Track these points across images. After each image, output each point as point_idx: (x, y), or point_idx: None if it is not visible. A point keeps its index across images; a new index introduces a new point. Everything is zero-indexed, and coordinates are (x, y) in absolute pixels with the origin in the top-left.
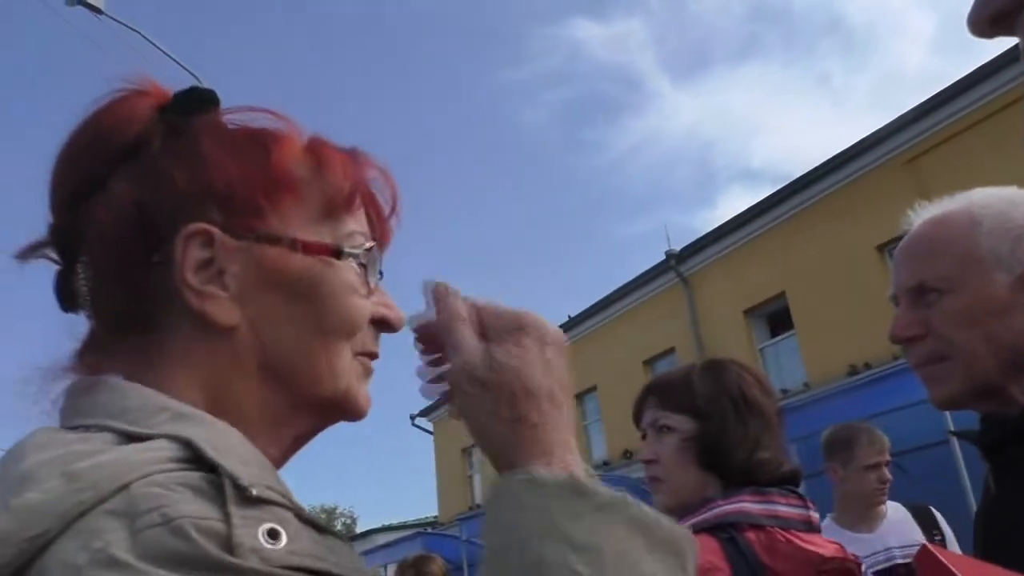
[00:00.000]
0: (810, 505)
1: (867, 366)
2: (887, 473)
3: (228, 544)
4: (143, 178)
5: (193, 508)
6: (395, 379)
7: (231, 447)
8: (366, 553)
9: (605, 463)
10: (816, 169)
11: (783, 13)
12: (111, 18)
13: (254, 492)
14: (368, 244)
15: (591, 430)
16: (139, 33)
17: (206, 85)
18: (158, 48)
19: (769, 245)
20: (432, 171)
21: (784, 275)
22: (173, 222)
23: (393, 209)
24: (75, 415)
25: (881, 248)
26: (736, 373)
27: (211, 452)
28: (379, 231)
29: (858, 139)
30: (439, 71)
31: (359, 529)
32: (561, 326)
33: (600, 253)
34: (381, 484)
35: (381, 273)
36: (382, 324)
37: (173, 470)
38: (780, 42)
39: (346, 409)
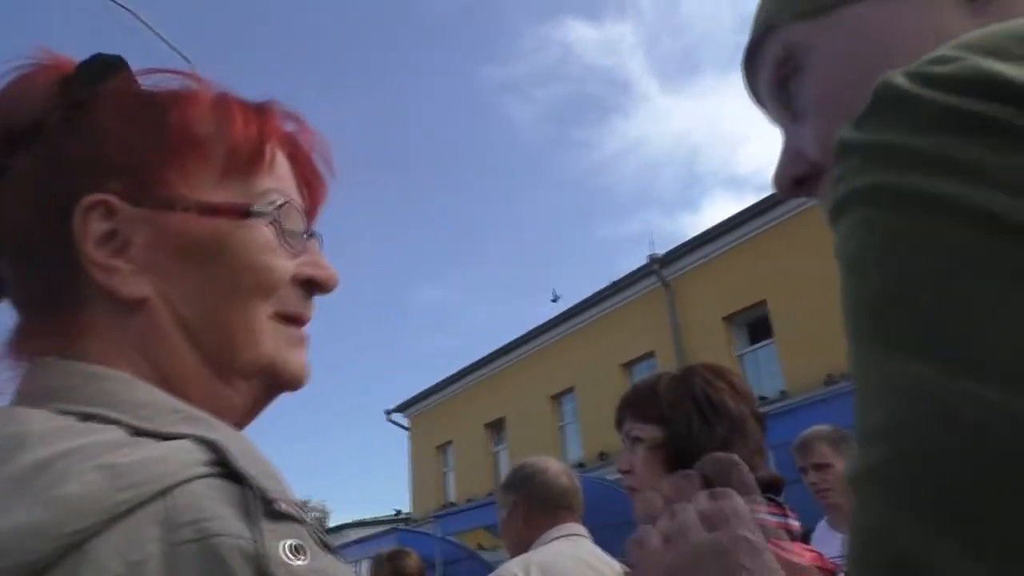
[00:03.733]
0: (789, 513)
1: (844, 376)
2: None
3: (257, 560)
4: (41, 156)
5: (227, 524)
6: (371, 373)
7: (251, 456)
8: (338, 548)
9: (580, 464)
10: None
11: None
12: None
13: (282, 507)
14: (281, 200)
15: (567, 431)
16: (129, 12)
17: (196, 69)
18: (152, 30)
19: (752, 253)
20: (421, 163)
21: (765, 283)
22: (74, 197)
23: (317, 153)
24: (62, 401)
25: None
26: (704, 377)
27: (239, 461)
28: (311, 182)
29: None
30: (433, 63)
31: (331, 524)
32: (541, 327)
33: (584, 253)
34: (353, 478)
35: (312, 233)
36: (309, 284)
37: (206, 475)
38: None
39: (277, 375)
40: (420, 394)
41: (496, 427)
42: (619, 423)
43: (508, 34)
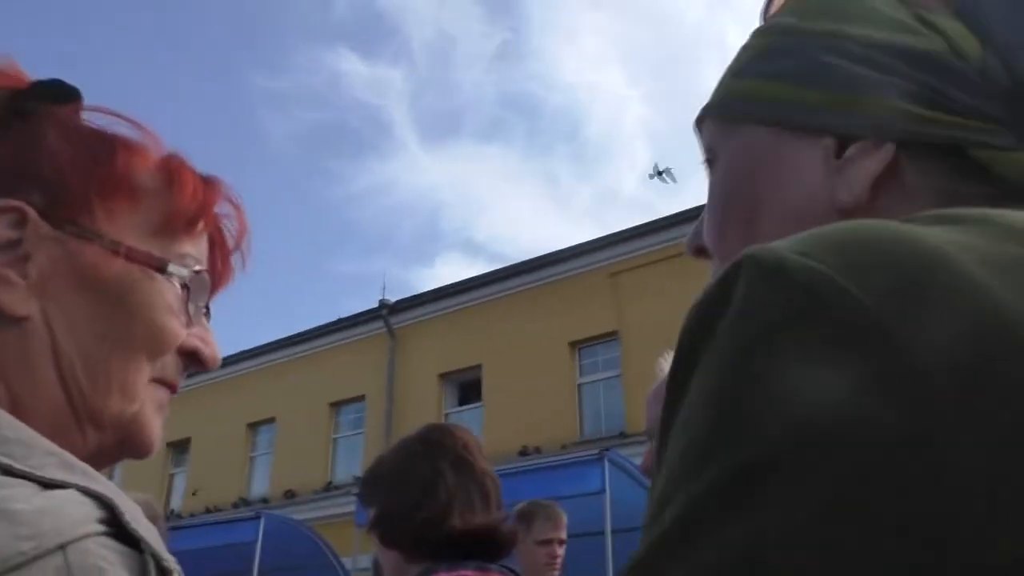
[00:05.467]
0: None
1: (538, 450)
2: (557, 549)
3: None
4: None
5: None
6: None
7: (138, 516)
8: None
9: (264, 500)
10: (532, 260)
11: (532, 109)
12: None
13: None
14: (197, 267)
15: (258, 463)
16: None
17: None
18: None
19: (477, 318)
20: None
21: (484, 349)
22: None
23: (238, 247)
24: None
25: (572, 345)
26: (406, 444)
27: (132, 523)
28: (220, 266)
29: (572, 243)
30: (193, 55)
31: None
32: (251, 350)
33: (311, 283)
34: None
35: (208, 309)
36: (192, 357)
37: (100, 534)
38: (524, 134)
39: (132, 438)
40: None
41: (179, 447)
42: None
43: (280, 46)
